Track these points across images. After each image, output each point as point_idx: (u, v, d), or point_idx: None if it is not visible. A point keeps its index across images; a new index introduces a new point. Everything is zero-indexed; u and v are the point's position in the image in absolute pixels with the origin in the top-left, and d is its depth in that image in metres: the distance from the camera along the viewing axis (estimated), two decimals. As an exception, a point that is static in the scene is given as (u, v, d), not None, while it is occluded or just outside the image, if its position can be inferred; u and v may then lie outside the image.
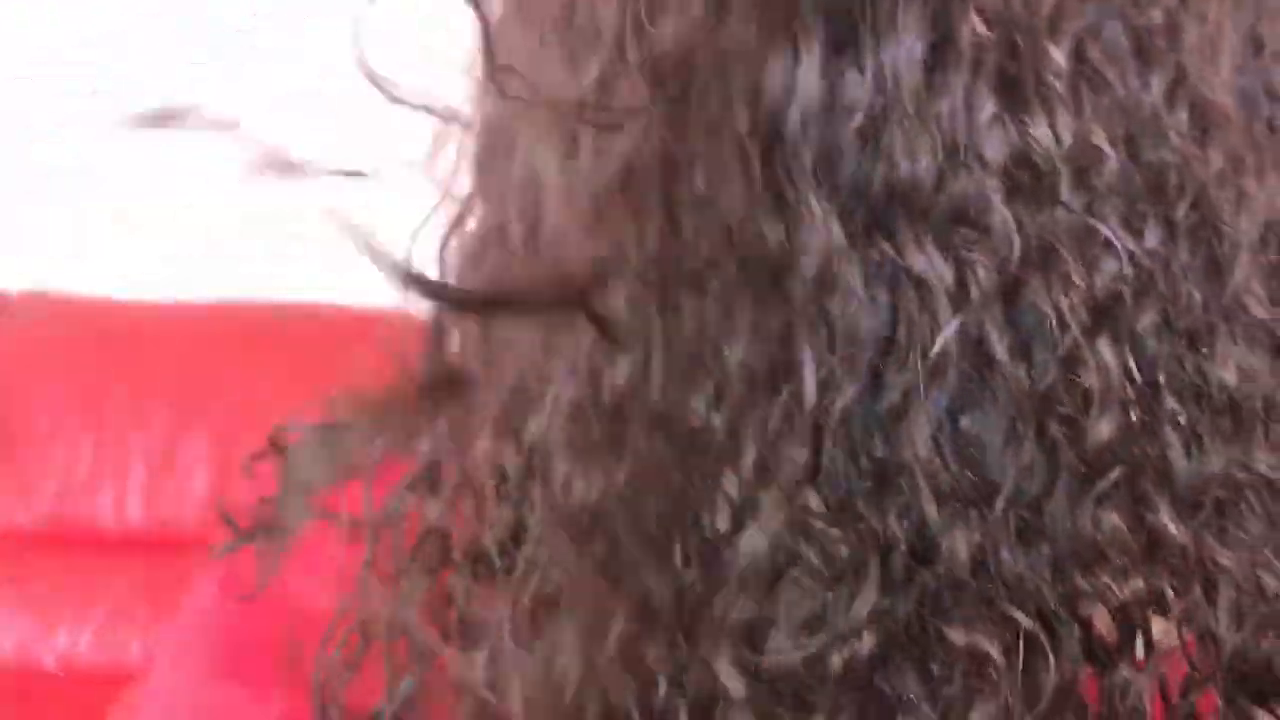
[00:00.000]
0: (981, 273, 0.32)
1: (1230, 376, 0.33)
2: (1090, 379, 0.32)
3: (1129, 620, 0.34)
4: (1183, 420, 0.33)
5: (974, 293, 0.32)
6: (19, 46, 2.01)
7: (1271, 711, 0.36)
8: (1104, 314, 0.32)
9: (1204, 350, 0.33)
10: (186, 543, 2.00)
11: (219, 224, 2.04)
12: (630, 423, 0.34)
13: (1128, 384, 0.33)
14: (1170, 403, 0.33)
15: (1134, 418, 0.33)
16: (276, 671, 0.42)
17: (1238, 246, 0.33)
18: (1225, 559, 0.34)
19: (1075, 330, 0.32)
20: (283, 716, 0.42)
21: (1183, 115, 0.33)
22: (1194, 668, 0.36)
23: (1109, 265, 0.32)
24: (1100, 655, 0.35)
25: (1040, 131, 0.32)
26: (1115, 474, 0.33)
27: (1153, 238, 0.33)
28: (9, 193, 2.06)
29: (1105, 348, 0.32)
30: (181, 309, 2.03)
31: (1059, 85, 0.32)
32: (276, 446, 0.48)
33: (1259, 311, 0.34)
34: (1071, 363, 0.33)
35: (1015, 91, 0.32)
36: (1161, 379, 0.33)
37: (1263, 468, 0.34)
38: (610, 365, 0.34)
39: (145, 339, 2.01)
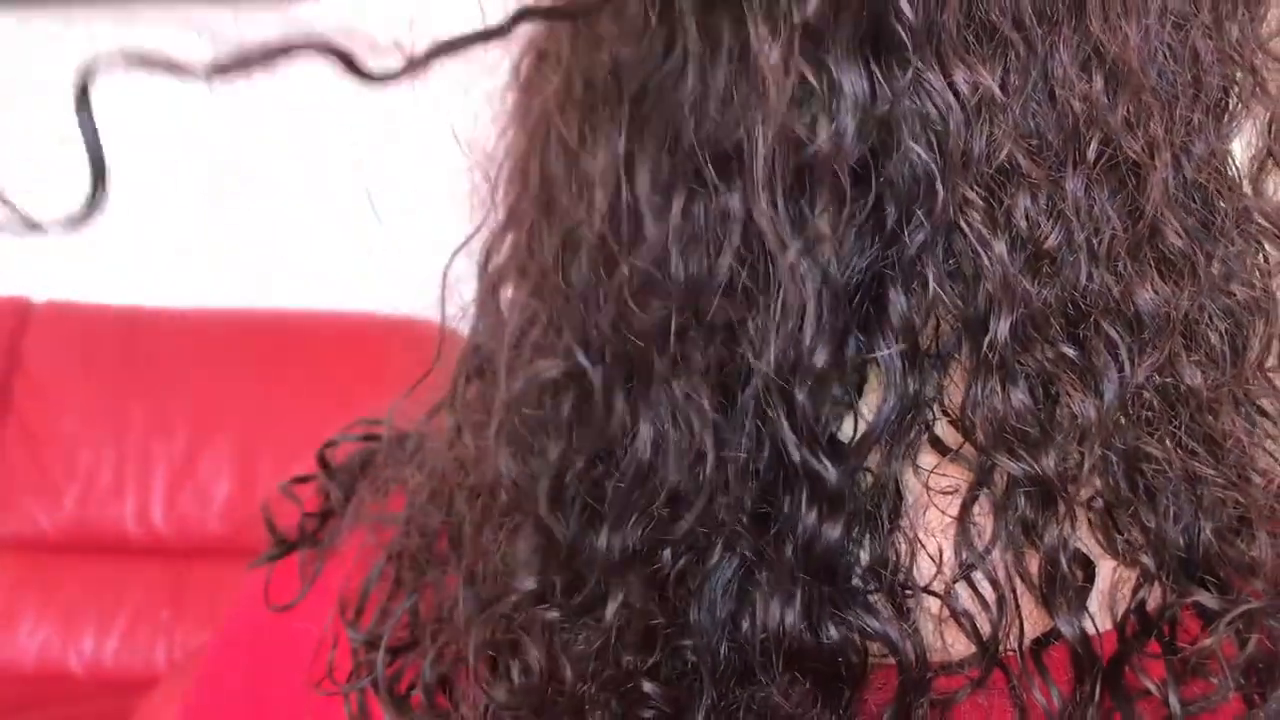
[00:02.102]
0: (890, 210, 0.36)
1: (1149, 298, 0.37)
2: (990, 285, 0.36)
3: (1048, 493, 0.38)
4: (1112, 335, 0.37)
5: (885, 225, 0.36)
6: (37, 51, 2.04)
7: (1209, 590, 0.39)
8: (999, 226, 0.36)
9: (1123, 274, 0.37)
10: (209, 548, 2.03)
11: (242, 233, 2.06)
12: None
13: (1025, 287, 0.36)
14: (1095, 317, 0.37)
15: (1030, 320, 0.37)
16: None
17: (1151, 183, 0.37)
18: (1153, 448, 0.38)
19: (973, 240, 0.36)
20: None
21: (1092, 70, 0.36)
22: (1144, 568, 0.39)
23: (1018, 194, 0.36)
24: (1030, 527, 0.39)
25: (900, 80, 0.35)
26: (1021, 363, 0.37)
27: (1069, 173, 0.37)
28: (32, 201, 2.08)
29: (1000, 256, 0.36)
30: (203, 316, 2.05)
31: (948, 38, 0.35)
32: (323, 465, 0.50)
33: (1175, 240, 0.38)
34: (974, 269, 0.37)
35: (881, 45, 0.35)
36: (1081, 296, 0.37)
37: (1188, 379, 0.38)
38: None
39: (168, 347, 2.03)
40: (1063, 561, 0.38)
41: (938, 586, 0.39)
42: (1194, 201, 0.39)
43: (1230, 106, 0.40)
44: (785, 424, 0.37)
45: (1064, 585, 0.38)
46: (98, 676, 1.93)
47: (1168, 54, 0.38)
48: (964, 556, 0.38)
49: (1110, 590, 0.40)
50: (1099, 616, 0.39)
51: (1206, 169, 0.39)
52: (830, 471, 0.37)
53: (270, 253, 2.05)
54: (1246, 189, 0.40)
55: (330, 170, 2.00)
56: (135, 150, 2.05)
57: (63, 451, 1.99)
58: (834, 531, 0.37)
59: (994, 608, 0.38)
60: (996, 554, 0.38)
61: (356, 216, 1.96)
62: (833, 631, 0.38)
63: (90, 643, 1.94)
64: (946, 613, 0.39)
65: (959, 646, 0.39)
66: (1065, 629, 0.38)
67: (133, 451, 1.99)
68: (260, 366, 2.00)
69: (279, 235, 2.04)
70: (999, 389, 0.37)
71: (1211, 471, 0.38)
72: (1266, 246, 0.41)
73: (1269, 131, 0.41)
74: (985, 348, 0.37)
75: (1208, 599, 0.38)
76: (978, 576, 0.38)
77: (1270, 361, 0.40)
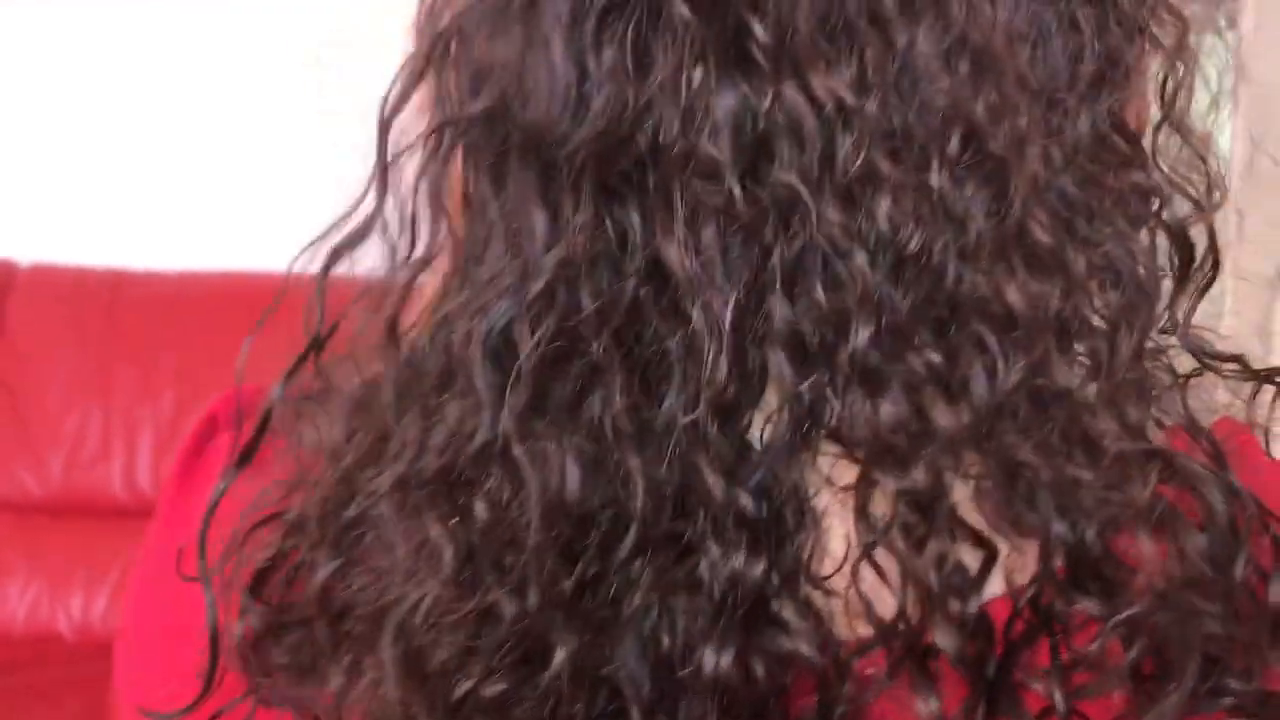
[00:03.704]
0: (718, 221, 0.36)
1: (1019, 298, 0.36)
2: (850, 297, 0.36)
3: (918, 506, 0.37)
4: (983, 337, 0.36)
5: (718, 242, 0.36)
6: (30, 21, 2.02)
7: (1094, 593, 0.37)
8: (857, 236, 0.35)
9: (991, 273, 0.36)
10: (195, 511, 2.02)
11: (229, 195, 2.05)
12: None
13: (887, 296, 0.36)
14: (966, 320, 0.36)
15: (893, 329, 0.36)
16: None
17: (1017, 178, 0.36)
18: (1027, 455, 0.36)
19: (833, 255, 0.35)
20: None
21: (954, 59, 0.35)
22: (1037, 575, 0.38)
23: (879, 198, 0.35)
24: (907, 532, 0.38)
25: (758, 93, 0.35)
26: (888, 374, 0.36)
27: (932, 171, 0.35)
28: (17, 164, 2.07)
29: (860, 267, 0.35)
30: (189, 280, 2.04)
31: (802, 45, 0.35)
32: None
33: (1043, 238, 0.36)
34: (835, 283, 0.36)
35: (725, 59, 0.35)
36: (948, 299, 0.36)
37: (1061, 380, 0.36)
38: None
39: (154, 309, 2.02)
40: (934, 582, 0.37)
41: (841, 577, 0.38)
42: (1069, 188, 0.37)
43: (1114, 78, 0.38)
44: (703, 460, 0.36)
45: (942, 603, 0.37)
46: (86, 639, 1.94)
47: (1040, 30, 0.36)
48: (865, 537, 0.37)
49: (1003, 563, 0.38)
50: (993, 584, 0.38)
51: (1084, 153, 0.37)
52: (750, 505, 0.37)
53: (257, 214, 2.04)
54: (1145, 145, 0.39)
55: (318, 134, 1.98)
56: (121, 113, 2.04)
57: (49, 415, 1.99)
58: (756, 570, 0.37)
59: (893, 593, 0.37)
60: (895, 540, 0.37)
61: (343, 179, 1.95)
62: (760, 670, 0.37)
63: (79, 605, 1.95)
64: (856, 606, 0.38)
65: (868, 631, 0.38)
66: (943, 642, 0.37)
67: (119, 415, 1.99)
68: (247, 329, 1.98)
69: (267, 197, 2.03)
70: (867, 401, 0.36)
71: (1089, 475, 0.37)
72: (1153, 224, 0.39)
73: (1161, 95, 0.39)
74: (848, 359, 0.36)
75: (1091, 606, 0.37)
76: (885, 562, 0.38)
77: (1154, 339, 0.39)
